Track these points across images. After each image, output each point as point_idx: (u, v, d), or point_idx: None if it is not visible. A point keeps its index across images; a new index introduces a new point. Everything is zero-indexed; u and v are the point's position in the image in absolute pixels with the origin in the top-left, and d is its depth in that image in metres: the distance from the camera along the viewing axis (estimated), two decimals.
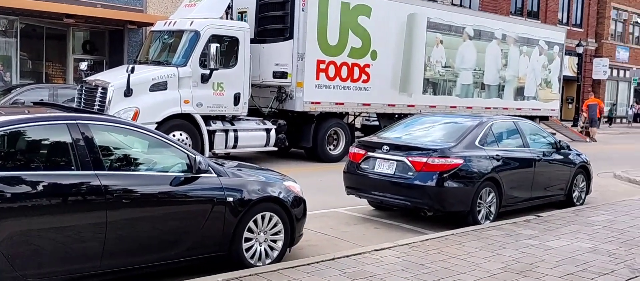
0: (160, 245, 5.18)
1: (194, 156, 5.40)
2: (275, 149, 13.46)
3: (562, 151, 9.78)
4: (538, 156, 9.11)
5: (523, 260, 6.34)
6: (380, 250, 6.56)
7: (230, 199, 5.58)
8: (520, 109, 19.08)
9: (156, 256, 5.17)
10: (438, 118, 9.35)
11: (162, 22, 13.05)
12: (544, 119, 20.82)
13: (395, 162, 8.04)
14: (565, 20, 38.05)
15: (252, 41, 13.60)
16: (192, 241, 5.35)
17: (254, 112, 13.89)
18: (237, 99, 12.54)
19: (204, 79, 11.93)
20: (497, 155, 8.38)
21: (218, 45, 11.81)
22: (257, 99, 14.18)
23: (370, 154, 8.32)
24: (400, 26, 15.45)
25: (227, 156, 13.03)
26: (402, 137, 8.67)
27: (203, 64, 11.95)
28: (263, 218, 5.88)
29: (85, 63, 12.39)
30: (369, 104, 14.99)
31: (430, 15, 16.06)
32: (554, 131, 21.54)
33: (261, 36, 13.70)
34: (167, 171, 5.35)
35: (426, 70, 16.23)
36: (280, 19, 13.56)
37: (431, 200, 7.80)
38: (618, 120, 42.98)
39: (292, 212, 6.10)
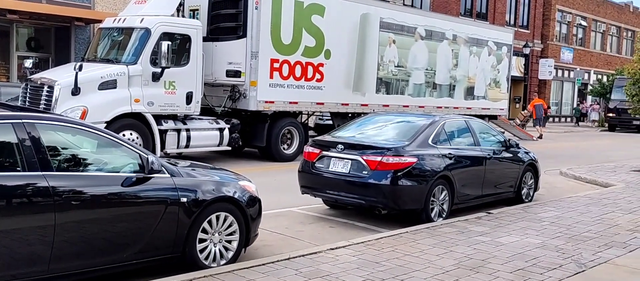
0: (111, 248, 5.05)
1: (147, 156, 5.28)
2: (229, 148, 13.33)
3: (511, 149, 10.01)
4: (488, 154, 9.30)
5: (475, 256, 6.46)
6: (336, 248, 6.56)
7: (184, 199, 5.48)
8: (470, 108, 19.45)
9: (107, 259, 5.03)
10: (391, 117, 9.44)
11: (111, 19, 12.74)
12: (493, 118, 21.25)
13: (350, 161, 8.07)
14: (512, 22, 39.03)
15: (205, 39, 13.42)
16: (144, 243, 5.23)
17: (207, 111, 13.73)
18: (189, 98, 12.36)
19: (155, 77, 11.71)
20: (449, 153, 8.52)
21: (169, 43, 11.62)
22: (210, 98, 14.02)
23: (325, 153, 8.33)
24: (354, 26, 15.53)
25: (180, 156, 12.84)
26: (357, 136, 8.71)
27: (154, 62, 11.73)
28: (218, 218, 5.80)
29: (30, 60, 11.97)
30: (322, 103, 15.01)
31: (383, 15, 16.20)
32: (503, 130, 22.07)
33: (214, 34, 13.54)
34: (118, 172, 5.22)
35: (379, 69, 16.36)
36: (234, 17, 13.43)
37: (386, 198, 7.86)
38: (563, 119, 44.41)
39: (247, 212, 6.04)
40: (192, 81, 12.41)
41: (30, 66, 11.87)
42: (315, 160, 8.41)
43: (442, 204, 8.38)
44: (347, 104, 15.58)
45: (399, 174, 7.84)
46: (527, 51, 35.07)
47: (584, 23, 44.94)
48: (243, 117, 13.98)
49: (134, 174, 5.22)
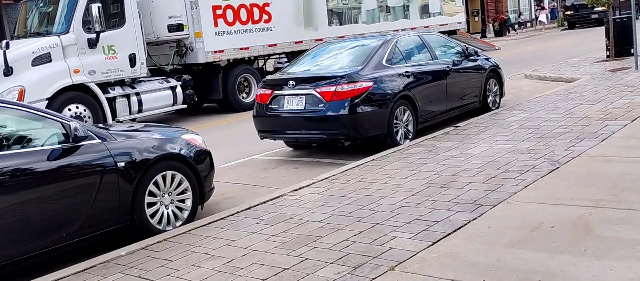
0: (48, 229, 4.58)
1: (69, 123, 4.76)
2: (184, 106, 12.76)
3: (471, 58, 9.64)
4: (448, 67, 8.92)
5: (445, 173, 6.14)
6: (299, 189, 6.19)
7: (122, 164, 5.00)
8: (428, 27, 18.97)
9: (45, 241, 4.57)
10: (344, 44, 8.96)
11: None
12: (452, 33, 20.85)
13: (304, 96, 7.62)
14: None
15: None
16: (85, 218, 4.77)
17: (158, 72, 13.09)
18: (132, 60, 11.68)
19: (92, 44, 10.99)
20: (406, 72, 8.11)
21: (99, 5, 10.84)
22: (157, 58, 13.34)
23: (277, 92, 7.85)
24: None
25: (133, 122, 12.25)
26: (309, 70, 8.24)
27: (87, 28, 10.98)
28: (164, 178, 5.35)
29: None
30: (275, 45, 14.42)
31: None
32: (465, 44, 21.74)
33: None
34: (43, 146, 4.70)
35: (329, 1, 15.73)
36: None
37: (346, 129, 7.47)
38: (523, 26, 44.23)
39: (197, 167, 5.60)
40: (133, 41, 11.71)
41: None
42: (268, 102, 7.94)
43: (407, 125, 8.03)
44: (300, 42, 15.00)
45: (356, 101, 7.42)
46: None
47: None
48: (195, 72, 13.37)
49: (59, 145, 4.71)
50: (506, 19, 34.83)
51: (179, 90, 12.51)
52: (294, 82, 7.68)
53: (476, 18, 38.51)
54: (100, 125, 5.52)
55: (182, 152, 5.51)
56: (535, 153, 6.49)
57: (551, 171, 5.75)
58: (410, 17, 18.37)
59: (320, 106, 7.50)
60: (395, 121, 7.80)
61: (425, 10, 18.98)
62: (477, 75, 9.63)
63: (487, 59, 10.13)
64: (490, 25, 36.64)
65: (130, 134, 5.33)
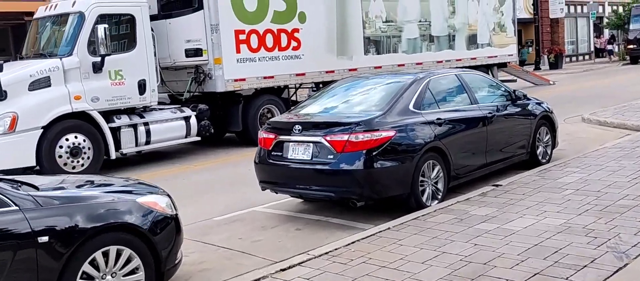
0: None
1: None
2: (198, 138, 11.68)
3: (519, 102, 8.21)
4: (490, 113, 7.52)
5: (475, 258, 4.75)
6: (288, 268, 4.91)
7: (45, 238, 3.85)
8: (475, 58, 17.52)
9: None
10: (363, 81, 7.68)
11: (43, 8, 11.06)
12: (502, 66, 19.34)
13: (312, 144, 6.37)
14: None
15: (157, 17, 11.72)
16: None
17: (176, 100, 12.09)
18: (142, 86, 10.68)
19: (97, 68, 10.04)
20: (438, 119, 6.76)
21: (106, 26, 9.89)
22: (174, 84, 12.35)
23: (281, 137, 6.62)
24: None
25: (139, 154, 11.25)
26: (320, 111, 6.99)
27: (93, 51, 10.04)
28: (106, 255, 4.16)
29: None
30: (303, 74, 13.23)
31: None
32: (515, 78, 20.17)
33: (166, 10, 11.80)
34: None
35: (365, 28, 14.50)
36: None
37: (360, 187, 6.16)
38: (580, 57, 41.99)
39: (153, 240, 4.39)
40: (143, 66, 10.72)
41: None
42: (271, 148, 6.72)
43: (436, 183, 6.66)
44: (332, 71, 13.77)
45: (374, 153, 6.12)
46: None
47: None
48: (214, 101, 12.29)
49: None
50: (558, 53, 32.79)
51: (193, 121, 11.44)
52: (299, 127, 6.43)
53: (530, 49, 36.62)
54: (27, 181, 4.39)
55: (133, 221, 4.31)
56: (595, 237, 5.04)
57: (617, 271, 4.31)
58: (456, 47, 16.94)
59: (329, 157, 6.22)
60: (421, 178, 6.45)
61: (472, 41, 17.52)
62: (525, 122, 8.20)
63: (538, 104, 8.67)
64: (545, 57, 34.69)
65: (62, 196, 4.18)
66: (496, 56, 18.41)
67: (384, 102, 6.61)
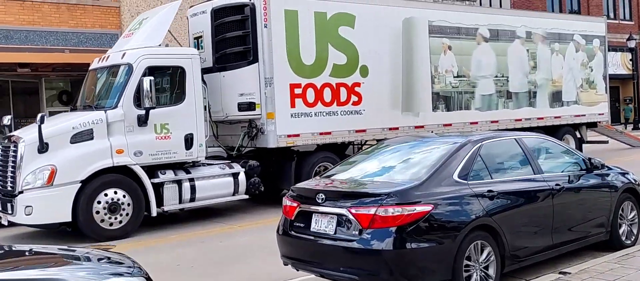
0: None
1: None
2: (246, 197, 11.06)
3: (597, 171, 7.00)
4: (557, 184, 6.37)
5: None
6: None
7: None
8: (559, 117, 16.11)
9: None
10: (407, 145, 6.75)
11: (98, 59, 10.99)
12: (591, 125, 17.70)
13: (336, 216, 5.51)
14: (612, 15, 34.54)
15: (211, 70, 11.40)
16: None
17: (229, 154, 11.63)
18: (188, 141, 10.25)
19: (141, 121, 9.71)
20: (489, 191, 5.72)
21: (152, 78, 9.58)
22: (229, 138, 11.90)
23: (304, 207, 5.81)
24: (395, 34, 12.93)
25: (181, 212, 10.75)
26: (352, 177, 6.14)
27: (139, 103, 9.75)
28: None
29: (8, 116, 10.35)
30: (364, 130, 12.43)
31: (431, 17, 13.48)
32: (607, 139, 18.42)
33: (220, 63, 11.43)
34: None
35: (434, 82, 13.59)
36: (241, 40, 11.27)
37: (389, 271, 5.20)
38: None
39: None
40: (191, 120, 10.31)
41: (8, 122, 10.26)
42: (294, 217, 5.91)
43: (486, 267, 5.59)
44: (396, 128, 12.89)
45: (407, 231, 5.18)
46: (632, 44, 30.58)
47: None
48: (267, 157, 11.70)
49: None
50: None
51: (242, 177, 10.86)
52: (323, 196, 5.60)
53: (629, 106, 34.11)
54: None
55: None
56: None
57: None
58: (538, 105, 15.62)
59: (354, 233, 5.33)
60: (466, 263, 5.41)
61: (556, 98, 16.12)
62: (603, 195, 6.96)
63: (622, 174, 7.40)
64: None
65: None
66: (584, 115, 16.87)
67: (423, 171, 5.67)
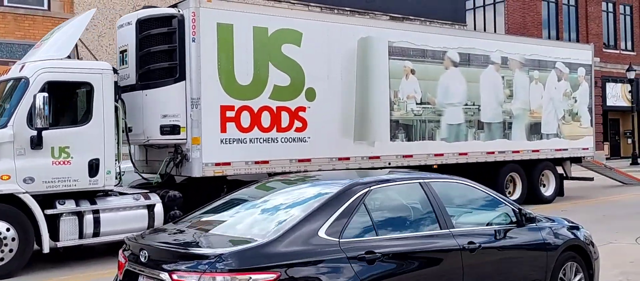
0: None
1: None
2: None
3: (530, 225, 5.69)
4: (472, 243, 5.07)
5: None
6: None
7: None
8: (537, 151, 14.79)
9: None
10: (291, 186, 5.48)
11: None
12: (576, 161, 16.34)
13: None
14: (613, 44, 33.25)
15: (134, 88, 10.23)
16: None
17: (162, 184, 10.37)
18: (93, 167, 9.04)
19: (34, 143, 8.52)
20: (369, 252, 4.44)
21: (45, 95, 8.40)
22: (156, 164, 10.68)
23: (130, 265, 4.55)
24: (349, 54, 11.74)
25: (80, 248, 9.47)
26: (202, 227, 4.87)
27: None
28: None
29: None
30: (308, 160, 11.19)
31: (392, 38, 12.29)
32: (592, 175, 17.04)
33: (144, 80, 10.24)
34: None
35: (394, 109, 12.34)
36: (167, 55, 10.12)
37: None
38: None
39: None
40: (97, 143, 9.11)
41: None
42: (122, 275, 4.65)
43: None
44: (346, 158, 11.65)
45: None
46: (631, 75, 29.22)
47: None
48: (199, 187, 10.47)
49: None
50: None
51: (158, 209, 9.61)
52: (146, 254, 4.35)
53: (628, 140, 32.62)
54: None
55: None
56: None
57: None
58: (513, 137, 14.32)
59: None
60: None
61: (535, 130, 14.82)
62: (537, 255, 5.65)
63: (569, 228, 6.10)
64: None
65: None
66: (566, 149, 15.54)
67: (279, 224, 4.41)
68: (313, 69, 11.21)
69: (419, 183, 5.19)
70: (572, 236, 6.03)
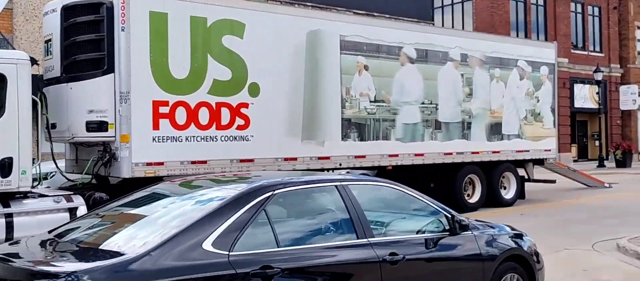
0: None
1: None
2: None
3: (465, 233, 5.07)
4: (393, 254, 4.43)
5: None
6: None
7: None
8: (498, 152, 14.26)
9: None
10: (186, 191, 4.77)
11: None
12: (538, 163, 15.88)
13: None
14: (581, 45, 33.12)
15: (59, 80, 9.42)
16: None
17: (95, 185, 9.59)
18: (6, 166, 8.20)
19: None
20: (265, 267, 3.77)
21: None
22: (85, 164, 9.86)
23: None
24: (297, 48, 11.06)
25: None
26: (75, 237, 4.15)
27: None
28: None
29: None
30: (251, 160, 10.47)
31: (344, 31, 11.65)
32: (554, 178, 16.61)
33: (70, 72, 9.44)
34: None
35: (345, 107, 11.70)
36: (94, 46, 9.34)
37: None
38: None
39: None
40: (11, 141, 8.25)
41: None
42: None
43: None
44: (293, 159, 10.96)
45: None
46: (599, 76, 29.06)
47: None
48: (130, 188, 9.66)
49: None
50: (626, 149, 28.49)
51: (82, 212, 8.80)
52: None
53: (596, 143, 32.49)
54: None
55: None
56: None
57: None
58: (472, 137, 13.77)
59: None
60: None
61: (495, 131, 14.30)
62: (471, 267, 5.03)
63: (512, 236, 5.50)
64: (612, 153, 30.49)
65: None
66: (528, 151, 15.05)
67: (158, 235, 3.71)
68: (257, 63, 10.50)
69: (336, 186, 4.52)
70: (514, 245, 5.43)
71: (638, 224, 11.26)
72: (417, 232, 4.83)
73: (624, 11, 34.71)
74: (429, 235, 4.84)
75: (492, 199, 14.09)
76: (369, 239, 4.39)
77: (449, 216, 5.01)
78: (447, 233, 4.96)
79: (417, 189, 5.09)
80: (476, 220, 5.80)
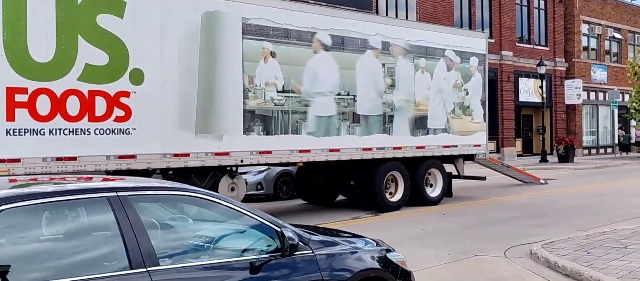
0: None
1: None
2: None
3: (300, 254, 4.02)
4: None
5: None
6: None
7: None
8: (422, 147, 13.37)
9: None
10: None
11: None
12: (469, 159, 15.07)
13: None
14: (526, 39, 32.73)
15: None
16: None
17: None
18: None
19: None
20: None
21: None
22: None
23: None
24: (191, 31, 9.90)
25: None
26: None
27: None
28: None
29: None
30: (133, 156, 9.29)
31: (246, 13, 10.53)
32: (484, 175, 15.86)
33: None
34: None
35: (248, 97, 10.59)
36: None
37: None
38: (602, 150, 37.24)
39: None
40: None
41: None
42: None
43: None
44: (185, 155, 9.81)
45: None
46: (542, 70, 28.63)
47: (618, 35, 38.03)
48: None
49: None
50: (568, 144, 28.15)
51: None
52: None
53: (541, 137, 32.17)
54: None
55: None
56: None
57: None
58: (394, 131, 12.83)
59: None
60: None
61: (420, 124, 13.39)
62: None
63: (374, 251, 4.49)
64: (555, 147, 30.18)
65: None
66: (456, 146, 14.20)
67: None
68: (140, 47, 9.31)
69: (108, 197, 3.39)
70: (372, 266, 4.42)
71: (561, 225, 10.55)
72: (232, 257, 3.77)
73: (570, 5, 34.49)
74: (250, 258, 3.78)
75: (416, 197, 13.21)
76: (150, 269, 3.29)
77: (280, 233, 3.95)
78: (279, 254, 3.91)
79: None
80: (338, 232, 4.81)
